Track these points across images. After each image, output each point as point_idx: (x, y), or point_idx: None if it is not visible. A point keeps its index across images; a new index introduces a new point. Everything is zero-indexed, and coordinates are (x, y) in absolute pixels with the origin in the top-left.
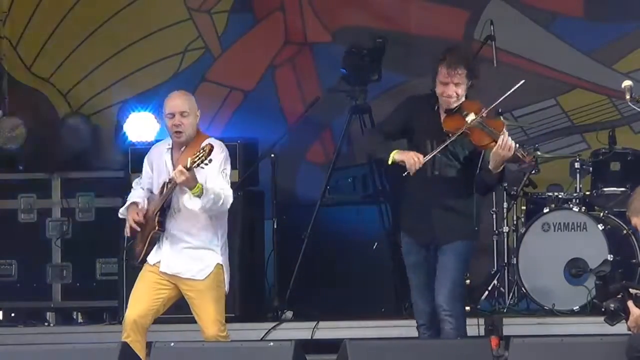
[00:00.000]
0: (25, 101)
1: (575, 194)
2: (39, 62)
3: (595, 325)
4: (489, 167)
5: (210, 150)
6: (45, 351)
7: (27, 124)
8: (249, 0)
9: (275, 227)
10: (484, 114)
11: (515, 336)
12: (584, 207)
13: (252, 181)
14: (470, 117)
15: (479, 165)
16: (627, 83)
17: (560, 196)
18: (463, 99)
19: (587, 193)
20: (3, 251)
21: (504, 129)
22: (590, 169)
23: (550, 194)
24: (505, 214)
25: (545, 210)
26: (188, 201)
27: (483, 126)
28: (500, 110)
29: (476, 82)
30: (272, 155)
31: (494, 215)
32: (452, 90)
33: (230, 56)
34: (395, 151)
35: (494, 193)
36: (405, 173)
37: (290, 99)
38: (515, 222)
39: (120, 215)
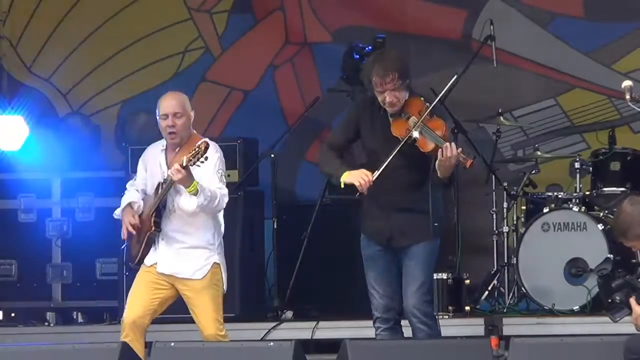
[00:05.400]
0: (25, 101)
1: (575, 194)
2: (39, 62)
3: (595, 325)
4: (438, 175)
5: (206, 148)
6: (45, 351)
7: (27, 124)
8: (249, 1)
9: (275, 227)
10: (423, 119)
11: (515, 336)
12: (583, 207)
13: (252, 181)
14: (412, 121)
15: (432, 167)
16: (627, 83)
17: (560, 196)
18: (406, 97)
19: (587, 193)
20: (3, 251)
21: (446, 131)
22: (590, 168)
23: (550, 194)
24: (505, 214)
25: (545, 210)
26: (184, 201)
27: (425, 131)
28: (500, 110)
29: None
30: (272, 155)
31: (494, 215)
32: (392, 96)
33: (230, 56)
34: (345, 174)
35: (494, 193)
36: (358, 194)
37: (290, 99)
38: (515, 222)
39: (115, 216)
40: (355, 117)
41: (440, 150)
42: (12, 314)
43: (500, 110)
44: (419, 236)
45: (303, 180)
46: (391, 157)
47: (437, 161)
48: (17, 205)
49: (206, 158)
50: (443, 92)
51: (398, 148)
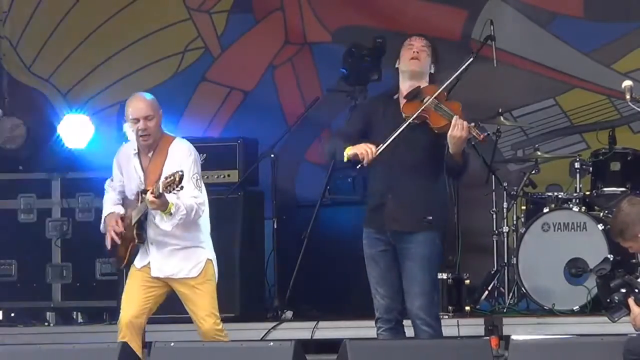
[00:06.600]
0: (25, 101)
1: (575, 194)
2: (39, 62)
3: (595, 325)
4: (450, 151)
5: (181, 178)
6: (45, 351)
7: (27, 124)
8: (248, 1)
9: (275, 227)
10: (437, 94)
11: (515, 336)
12: (584, 207)
13: (252, 181)
14: (427, 99)
15: (446, 147)
16: (627, 83)
17: (560, 196)
18: (427, 69)
19: (587, 193)
20: (3, 251)
21: (461, 111)
22: (590, 168)
23: (550, 194)
24: (505, 214)
25: (545, 210)
26: (160, 222)
27: (439, 108)
28: (500, 110)
29: (437, 70)
30: (272, 155)
31: (494, 215)
32: (417, 47)
33: (230, 56)
34: (348, 147)
35: (494, 193)
36: (359, 165)
37: (290, 99)
38: (515, 222)
39: (102, 231)
40: (366, 108)
41: (454, 117)
42: (12, 314)
43: (500, 110)
44: (411, 224)
45: (303, 180)
46: (399, 131)
47: (448, 135)
48: (17, 205)
49: (182, 188)
50: (459, 71)
51: (409, 121)
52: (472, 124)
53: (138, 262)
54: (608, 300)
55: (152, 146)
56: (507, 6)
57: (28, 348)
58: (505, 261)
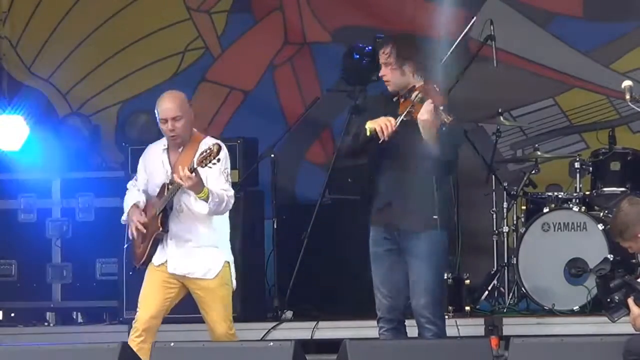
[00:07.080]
0: (25, 101)
1: (575, 194)
2: (39, 62)
3: (595, 325)
4: (423, 137)
5: (219, 150)
6: (45, 351)
7: (27, 124)
8: (248, 1)
9: (275, 227)
10: (423, 87)
11: (515, 336)
12: (584, 207)
13: (252, 181)
14: (414, 94)
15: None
16: (627, 83)
17: (560, 196)
18: (402, 78)
19: (587, 193)
20: (3, 251)
21: (441, 100)
22: (590, 168)
23: (550, 193)
24: (505, 214)
25: (545, 210)
26: (195, 204)
27: (422, 100)
28: (500, 110)
29: (419, 60)
30: (272, 155)
31: (494, 215)
32: (382, 70)
33: (230, 56)
34: (368, 122)
35: (494, 193)
36: (381, 141)
37: (290, 99)
38: (515, 222)
39: (123, 222)
40: (368, 110)
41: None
42: (12, 314)
43: (500, 110)
44: (418, 224)
45: (303, 180)
46: (396, 125)
47: (417, 119)
48: (17, 205)
49: (218, 160)
50: (450, 50)
51: (400, 118)
52: (441, 108)
53: (156, 259)
54: (608, 300)
55: (182, 143)
56: (506, 6)
57: (28, 348)
58: (505, 261)
